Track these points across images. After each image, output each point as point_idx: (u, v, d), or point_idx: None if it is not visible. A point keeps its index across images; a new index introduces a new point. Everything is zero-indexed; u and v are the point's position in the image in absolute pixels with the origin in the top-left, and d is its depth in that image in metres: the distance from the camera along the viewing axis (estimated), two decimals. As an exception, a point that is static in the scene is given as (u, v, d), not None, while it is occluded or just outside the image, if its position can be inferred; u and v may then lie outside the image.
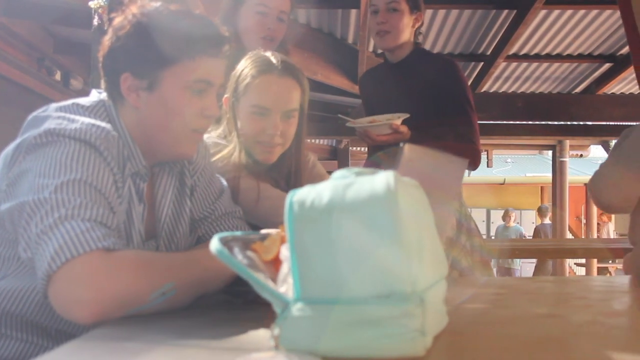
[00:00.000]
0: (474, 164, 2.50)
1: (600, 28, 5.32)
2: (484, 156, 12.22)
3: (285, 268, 0.86)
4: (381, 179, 0.80)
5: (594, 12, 4.98)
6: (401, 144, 1.13)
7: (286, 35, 2.32)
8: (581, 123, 6.81)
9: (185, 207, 1.54)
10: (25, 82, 5.47)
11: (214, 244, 0.88)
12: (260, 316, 0.93)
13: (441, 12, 5.00)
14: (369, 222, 0.78)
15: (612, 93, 6.94)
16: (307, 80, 2.18)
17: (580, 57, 5.99)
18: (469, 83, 6.64)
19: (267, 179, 1.81)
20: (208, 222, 1.59)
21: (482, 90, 6.78)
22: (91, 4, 2.97)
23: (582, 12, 4.97)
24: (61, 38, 5.70)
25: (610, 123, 6.56)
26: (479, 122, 6.54)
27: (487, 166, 12.39)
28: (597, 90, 6.56)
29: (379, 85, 2.72)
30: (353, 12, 5.02)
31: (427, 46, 5.73)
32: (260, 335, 0.92)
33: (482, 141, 7.73)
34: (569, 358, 0.82)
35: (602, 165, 2.10)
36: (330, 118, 6.56)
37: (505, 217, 11.84)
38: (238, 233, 1.02)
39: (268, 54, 1.82)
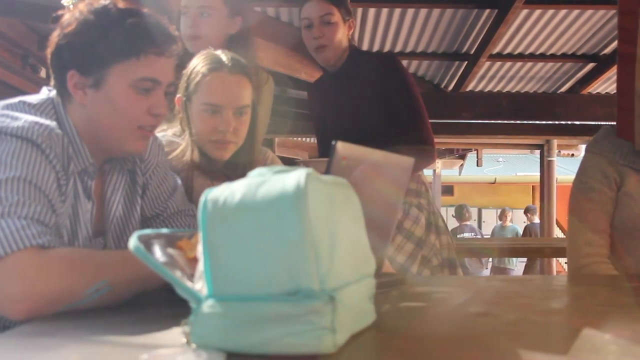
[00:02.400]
0: (427, 162, 2.49)
1: (583, 28, 5.33)
2: (473, 155, 12.23)
3: (201, 265, 0.86)
4: (292, 178, 0.80)
5: (576, 12, 5.00)
6: (333, 142, 1.13)
7: (243, 26, 2.31)
8: (567, 122, 6.81)
9: (136, 205, 1.55)
10: (9, 79, 5.46)
11: (132, 241, 0.88)
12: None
13: (423, 11, 5.00)
14: (278, 220, 0.79)
15: (596, 93, 6.96)
16: (261, 77, 2.18)
17: (564, 57, 6.00)
18: (453, 82, 6.67)
19: (221, 176, 1.82)
20: (160, 220, 1.60)
21: (467, 90, 6.80)
22: (64, 1, 2.97)
23: (563, 11, 4.98)
24: (45, 35, 5.65)
25: (595, 123, 6.56)
26: (465, 121, 6.49)
27: (477, 165, 12.40)
28: (581, 90, 6.57)
29: (324, 97, 2.71)
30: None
31: (409, 46, 5.74)
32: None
33: (470, 140, 7.73)
34: (487, 357, 0.82)
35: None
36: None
37: (502, 216, 11.85)
38: (165, 230, 1.02)
39: (218, 52, 1.84)
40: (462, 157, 13.23)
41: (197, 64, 1.83)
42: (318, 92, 2.77)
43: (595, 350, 0.83)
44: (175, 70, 1.51)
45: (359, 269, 0.94)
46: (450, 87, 6.82)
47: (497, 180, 17.95)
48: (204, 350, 0.79)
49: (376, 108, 2.46)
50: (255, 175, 0.86)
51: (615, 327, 0.99)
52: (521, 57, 6.01)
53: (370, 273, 1.00)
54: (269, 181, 0.82)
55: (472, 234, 10.66)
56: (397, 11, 5.00)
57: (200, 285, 0.85)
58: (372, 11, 4.99)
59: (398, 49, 5.79)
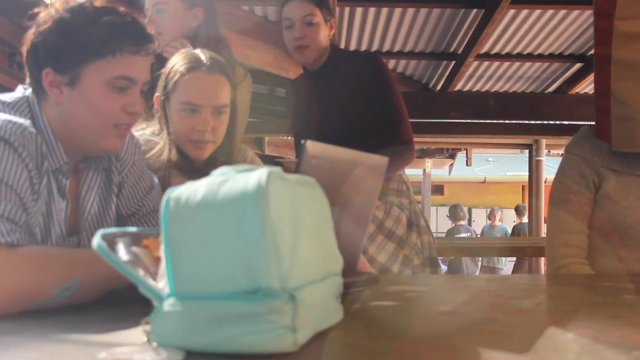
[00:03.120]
0: (407, 161, 2.49)
1: (570, 28, 5.36)
2: (463, 155, 12.26)
3: (163, 264, 0.86)
4: (254, 177, 0.81)
5: (562, 12, 5.02)
6: (302, 141, 1.13)
7: (210, 18, 2.30)
8: (555, 122, 6.83)
9: (111, 204, 1.55)
10: (-3, 77, 5.45)
11: (95, 240, 0.88)
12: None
13: (410, 11, 5.01)
14: (239, 219, 0.79)
15: (584, 93, 6.98)
16: (238, 74, 2.18)
17: (551, 57, 6.03)
18: (441, 82, 6.68)
19: (199, 176, 1.81)
20: (136, 219, 1.59)
21: (456, 89, 6.81)
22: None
23: (550, 12, 5.00)
24: (31, 33, 5.65)
25: (582, 123, 6.57)
26: (453, 120, 6.50)
27: (467, 165, 12.44)
28: (568, 90, 6.60)
29: (303, 95, 2.70)
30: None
31: (397, 45, 5.75)
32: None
33: (459, 139, 7.73)
34: (447, 356, 0.82)
35: None
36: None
37: (491, 216, 11.82)
38: (132, 229, 1.02)
39: (197, 51, 1.84)
40: (452, 156, 13.26)
41: (176, 63, 1.83)
42: (297, 90, 2.76)
43: (556, 349, 0.84)
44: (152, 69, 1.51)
45: (324, 267, 0.94)
46: (439, 87, 6.84)
47: (487, 179, 17.99)
48: (163, 349, 0.79)
49: (356, 106, 2.46)
50: (218, 174, 0.86)
51: (580, 326, 0.99)
52: (509, 57, 6.04)
53: (337, 272, 1.00)
54: (231, 180, 0.82)
55: (468, 233, 10.66)
56: (384, 10, 5.01)
57: (163, 284, 0.85)
58: (359, 10, 5.00)
59: (386, 48, 5.80)
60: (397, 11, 5.02)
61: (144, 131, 1.88)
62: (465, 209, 10.98)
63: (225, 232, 0.79)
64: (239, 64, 2.40)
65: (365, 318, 1.09)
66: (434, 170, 13.61)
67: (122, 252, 0.91)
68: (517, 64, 6.25)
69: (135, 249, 0.95)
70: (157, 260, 0.96)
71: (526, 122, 6.84)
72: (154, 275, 0.88)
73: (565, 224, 2.08)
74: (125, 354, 0.76)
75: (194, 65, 1.80)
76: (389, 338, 0.93)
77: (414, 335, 0.95)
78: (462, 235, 10.17)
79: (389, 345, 0.87)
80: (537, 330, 0.95)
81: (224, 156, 1.89)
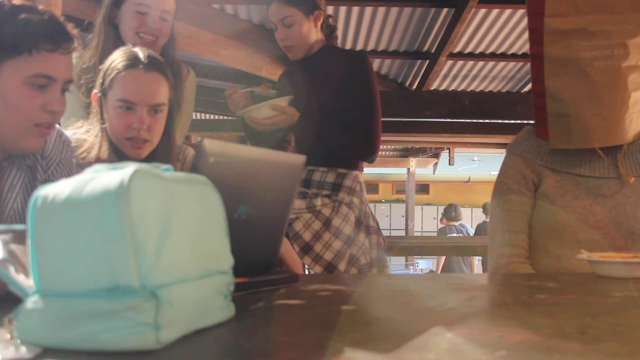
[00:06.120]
0: (368, 156, 2.51)
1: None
2: (446, 154, 12.26)
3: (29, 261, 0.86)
4: (118, 175, 0.81)
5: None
6: (199, 139, 1.13)
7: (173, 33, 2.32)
8: (530, 122, 6.83)
9: (35, 202, 1.54)
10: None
11: (-32, 238, 0.88)
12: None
13: (381, 10, 5.01)
14: (100, 216, 0.79)
15: (559, 93, 6.99)
16: (182, 73, 2.18)
17: (525, 57, 6.04)
18: (417, 81, 6.68)
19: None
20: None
21: (432, 89, 6.83)
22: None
23: (521, 11, 5.01)
24: None
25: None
26: (429, 120, 6.49)
27: (449, 164, 12.43)
28: (543, 89, 6.61)
29: (290, 84, 2.73)
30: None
31: (370, 44, 5.76)
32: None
33: (440, 139, 7.71)
34: (308, 353, 0.82)
35: None
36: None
37: (485, 212, 11.64)
38: (18, 226, 1.02)
39: (136, 49, 1.83)
40: (436, 155, 13.27)
41: (114, 60, 1.83)
42: (287, 79, 2.80)
43: (420, 349, 0.83)
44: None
45: (204, 265, 0.94)
46: (415, 86, 6.85)
47: (471, 179, 18.03)
48: (25, 345, 0.79)
49: (334, 100, 2.51)
50: (90, 172, 0.86)
51: (467, 326, 0.99)
52: (482, 56, 6.05)
53: (224, 270, 1.00)
54: (97, 178, 0.82)
55: (459, 235, 10.28)
56: (355, 9, 5.02)
57: (32, 281, 0.85)
58: (329, 10, 4.99)
59: (359, 46, 5.80)
60: (369, 10, 5.02)
61: (79, 129, 1.87)
62: (460, 210, 10.74)
63: (87, 230, 0.80)
64: (182, 61, 2.41)
65: (260, 317, 1.09)
66: (419, 169, 13.61)
67: (-4, 250, 0.91)
68: (491, 63, 6.26)
69: (14, 246, 0.94)
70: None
71: (501, 121, 6.86)
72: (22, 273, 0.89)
73: (506, 224, 2.09)
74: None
75: (131, 62, 1.80)
76: (271, 337, 0.93)
77: (298, 335, 0.94)
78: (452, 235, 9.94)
79: (268, 345, 0.88)
80: (418, 330, 0.95)
81: (162, 155, 1.89)
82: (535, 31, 1.95)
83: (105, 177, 0.82)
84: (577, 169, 2.04)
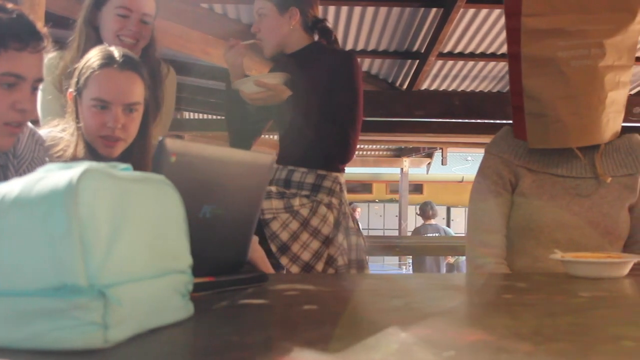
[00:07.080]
0: (343, 156, 2.50)
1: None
2: (438, 154, 12.28)
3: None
4: (67, 174, 0.81)
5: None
6: (160, 138, 1.13)
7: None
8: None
9: (5, 201, 1.54)
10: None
11: None
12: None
13: (370, 9, 5.01)
14: (47, 215, 0.79)
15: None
16: (162, 72, 2.18)
17: (515, 57, 6.04)
18: (407, 81, 6.69)
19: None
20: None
21: (423, 88, 6.83)
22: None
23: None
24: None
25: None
26: (419, 119, 6.48)
27: (442, 164, 12.44)
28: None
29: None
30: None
31: (360, 44, 5.76)
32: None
33: (433, 139, 7.70)
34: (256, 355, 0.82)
35: None
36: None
37: None
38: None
39: (112, 48, 1.84)
40: (430, 155, 13.30)
41: (89, 59, 1.83)
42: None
43: (368, 348, 0.83)
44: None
45: (159, 265, 0.94)
46: (405, 86, 6.85)
47: (465, 179, 18.05)
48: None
49: (317, 97, 2.49)
50: (42, 171, 0.86)
51: (423, 326, 0.99)
52: (472, 56, 6.06)
53: (182, 269, 1.00)
54: (48, 177, 0.82)
55: (437, 234, 9.57)
56: (344, 9, 5.02)
57: (-16, 281, 0.85)
58: (319, 9, 4.98)
59: (349, 46, 5.80)
60: (357, 9, 5.02)
61: (56, 127, 1.87)
62: (436, 208, 10.34)
63: (35, 229, 0.79)
64: (162, 60, 2.41)
65: (220, 316, 1.08)
66: (413, 169, 13.63)
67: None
68: (481, 63, 6.28)
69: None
70: None
71: (491, 121, 6.85)
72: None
73: (483, 224, 2.09)
74: None
75: (106, 61, 1.80)
76: (224, 336, 0.93)
77: (250, 335, 0.94)
78: (429, 235, 9.26)
79: (219, 344, 0.88)
80: (373, 330, 0.95)
81: (137, 155, 1.89)
82: (513, 31, 1.95)
83: (55, 177, 0.81)
84: (554, 168, 2.05)
